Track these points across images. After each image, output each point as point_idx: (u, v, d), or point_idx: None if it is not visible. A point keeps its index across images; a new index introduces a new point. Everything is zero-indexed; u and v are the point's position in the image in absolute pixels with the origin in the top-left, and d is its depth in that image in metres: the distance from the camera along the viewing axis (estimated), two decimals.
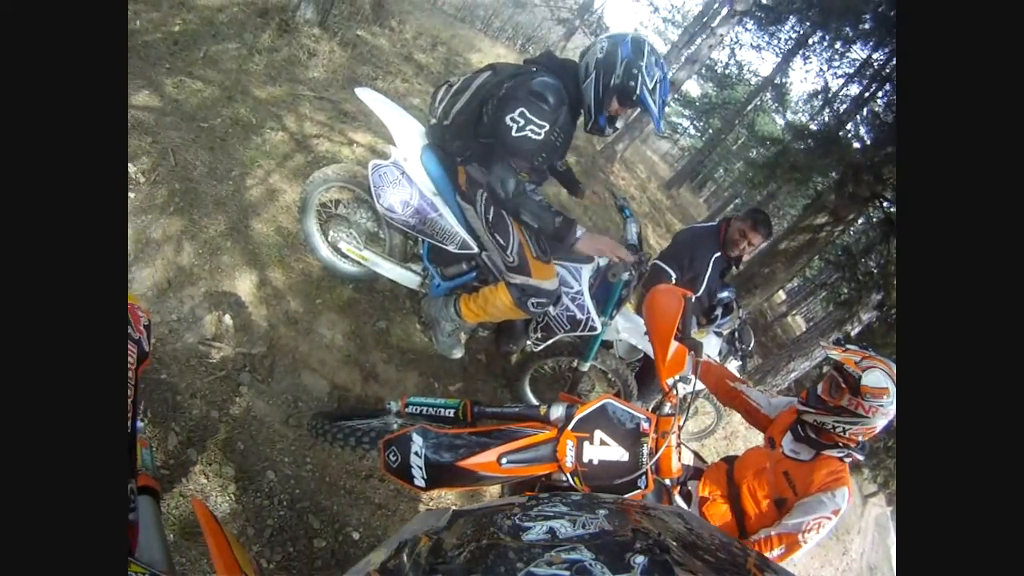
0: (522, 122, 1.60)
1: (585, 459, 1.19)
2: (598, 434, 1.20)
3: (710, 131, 17.04)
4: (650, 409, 1.36)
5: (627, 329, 2.34)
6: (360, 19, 5.35)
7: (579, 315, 2.00)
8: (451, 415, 1.47)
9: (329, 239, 2.24)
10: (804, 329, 12.67)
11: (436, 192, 1.92)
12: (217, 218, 2.36)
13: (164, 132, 2.63)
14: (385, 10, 6.00)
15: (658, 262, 2.57)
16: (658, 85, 1.72)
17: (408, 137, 1.93)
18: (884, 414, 1.42)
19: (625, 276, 1.89)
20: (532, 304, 1.88)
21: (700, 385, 2.51)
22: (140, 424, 1.24)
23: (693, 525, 0.49)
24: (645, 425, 1.27)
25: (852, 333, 5.06)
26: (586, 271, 2.05)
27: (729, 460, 1.80)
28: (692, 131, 20.81)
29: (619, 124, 1.85)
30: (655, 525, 0.47)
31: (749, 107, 14.17)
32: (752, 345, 2.67)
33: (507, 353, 2.30)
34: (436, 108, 1.83)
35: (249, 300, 2.17)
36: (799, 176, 5.50)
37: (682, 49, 10.04)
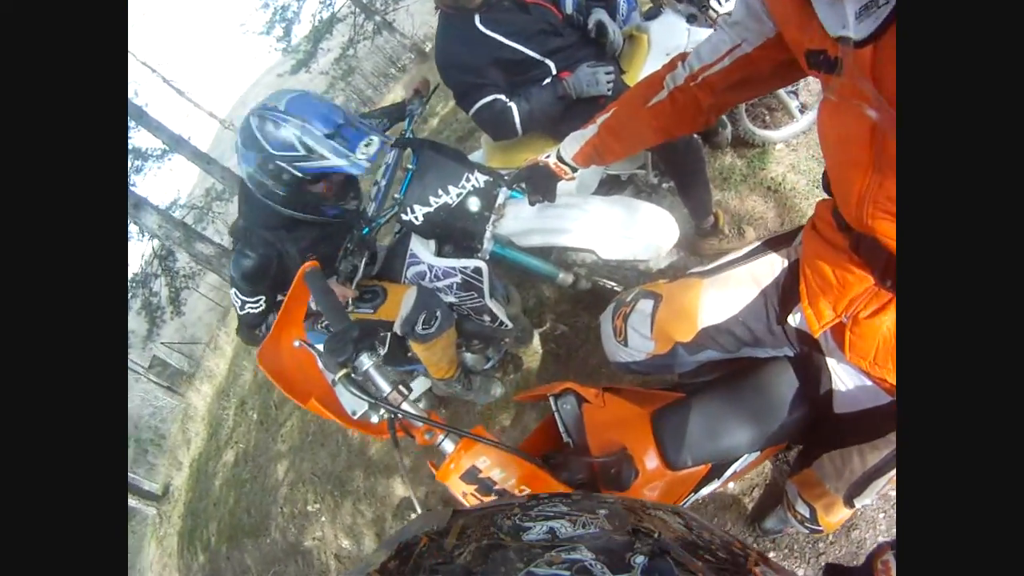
0: (239, 301, 1.57)
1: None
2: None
3: None
4: None
5: (519, 232, 1.75)
6: None
7: (455, 278, 1.70)
8: None
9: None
10: None
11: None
12: (355, 474, 2.97)
13: (300, 467, 3.41)
14: None
15: (471, 113, 1.75)
16: (339, 137, 1.35)
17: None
18: None
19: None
20: (420, 329, 1.67)
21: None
22: None
23: (693, 525, 0.48)
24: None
25: None
26: (417, 245, 1.72)
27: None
28: None
29: (352, 203, 1.59)
30: (655, 525, 0.46)
31: None
32: None
33: (514, 352, 2.18)
34: None
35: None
36: None
37: None
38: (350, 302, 1.71)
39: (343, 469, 3.16)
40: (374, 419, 0.85)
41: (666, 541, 0.43)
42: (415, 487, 2.56)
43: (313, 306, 1.18)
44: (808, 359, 0.89)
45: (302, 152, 1.34)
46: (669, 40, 1.84)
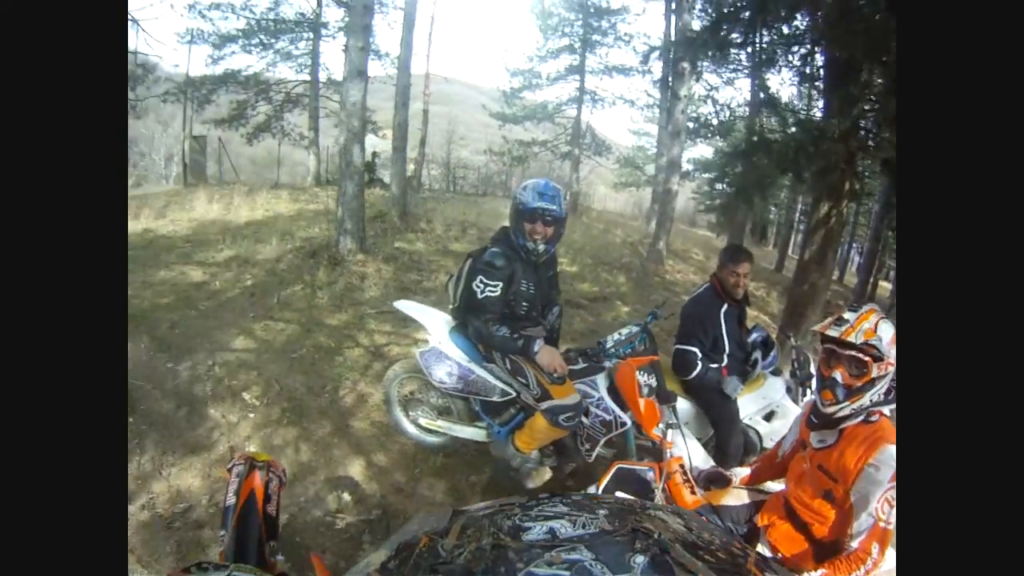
0: (482, 287, 2.14)
1: None
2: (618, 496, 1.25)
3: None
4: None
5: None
6: (393, 232, 6.21)
7: (607, 416, 2.30)
8: None
9: (411, 419, 2.75)
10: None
11: (469, 360, 2.39)
12: (323, 423, 2.94)
13: (265, 366, 3.34)
14: (411, 215, 6.93)
15: (678, 346, 2.63)
16: (542, 194, 2.13)
17: (437, 326, 2.49)
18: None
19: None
20: (563, 420, 2.17)
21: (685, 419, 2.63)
22: (280, 557, 1.36)
23: (693, 525, 0.47)
24: (650, 475, 1.48)
25: None
26: (601, 380, 2.37)
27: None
28: (725, 188, 18.63)
29: (541, 246, 2.19)
30: (655, 525, 0.46)
31: (755, 136, 13.08)
32: (812, 367, 2.65)
33: (570, 471, 2.59)
34: (449, 295, 2.42)
35: (361, 479, 2.63)
36: (767, 178, 5.10)
37: (663, 153, 10.26)
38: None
39: None
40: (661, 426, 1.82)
41: (666, 541, 0.43)
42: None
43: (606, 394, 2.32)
44: None
45: (523, 191, 2.19)
46: (769, 393, 2.71)
